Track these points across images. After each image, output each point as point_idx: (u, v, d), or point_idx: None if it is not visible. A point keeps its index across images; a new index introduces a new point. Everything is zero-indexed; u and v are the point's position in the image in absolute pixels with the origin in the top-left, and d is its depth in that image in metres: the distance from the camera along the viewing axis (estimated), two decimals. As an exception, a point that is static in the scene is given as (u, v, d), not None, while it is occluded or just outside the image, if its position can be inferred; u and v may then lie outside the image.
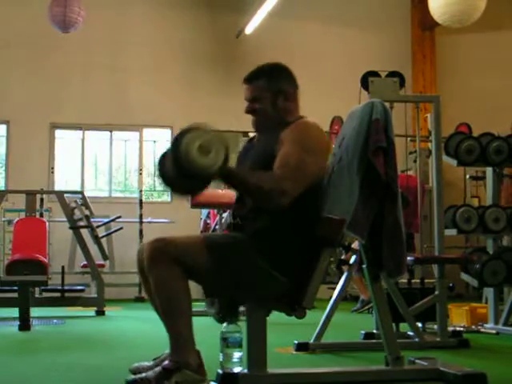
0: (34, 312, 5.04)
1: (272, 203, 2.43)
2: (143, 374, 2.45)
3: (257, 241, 2.52)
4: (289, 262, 2.55)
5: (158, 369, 2.45)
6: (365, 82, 4.10)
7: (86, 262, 6.43)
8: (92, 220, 6.42)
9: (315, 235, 2.60)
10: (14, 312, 4.87)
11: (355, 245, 3.59)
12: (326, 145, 2.66)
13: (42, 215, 7.39)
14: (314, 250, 2.56)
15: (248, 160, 2.71)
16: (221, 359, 2.70)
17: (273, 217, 2.52)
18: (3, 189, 8.08)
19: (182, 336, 2.44)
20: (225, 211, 5.91)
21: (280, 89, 2.67)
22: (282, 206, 2.42)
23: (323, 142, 2.63)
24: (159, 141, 9.25)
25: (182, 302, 2.44)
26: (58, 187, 8.62)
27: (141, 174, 9.16)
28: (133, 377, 2.47)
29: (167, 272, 2.41)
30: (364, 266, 2.87)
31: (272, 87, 2.66)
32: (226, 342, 2.68)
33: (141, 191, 8.52)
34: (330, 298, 4.07)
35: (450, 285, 4.17)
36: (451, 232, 4.72)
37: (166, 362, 2.46)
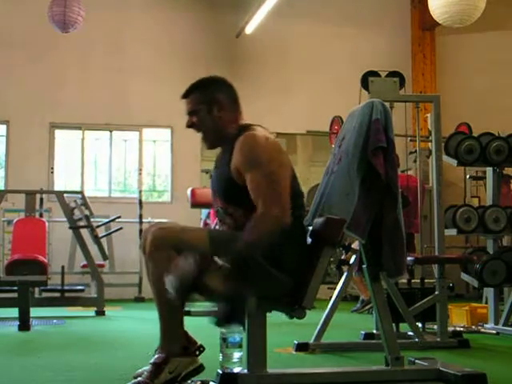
0: (34, 312, 5.04)
1: (279, 228, 2.41)
2: (139, 378, 2.48)
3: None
4: (289, 262, 2.55)
5: (148, 367, 2.49)
6: (365, 81, 4.11)
7: (85, 262, 6.43)
8: (92, 220, 6.42)
9: (311, 234, 2.61)
10: (14, 312, 4.87)
11: (355, 245, 3.60)
12: (278, 147, 2.61)
13: (41, 215, 7.39)
14: (314, 250, 2.56)
15: (216, 179, 2.74)
16: (221, 359, 2.71)
17: None
18: (3, 189, 8.07)
19: (169, 324, 2.49)
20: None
21: (213, 99, 2.68)
22: (287, 222, 2.42)
23: (275, 146, 2.58)
24: (159, 141, 9.26)
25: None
26: (57, 187, 8.61)
27: (140, 173, 9.15)
28: (131, 382, 2.50)
29: (166, 260, 2.44)
30: (364, 265, 2.87)
31: (205, 98, 2.68)
32: (226, 342, 2.69)
33: (140, 191, 8.52)
34: (330, 298, 4.07)
35: (450, 285, 4.17)
36: (451, 232, 4.72)
37: (155, 357, 2.50)
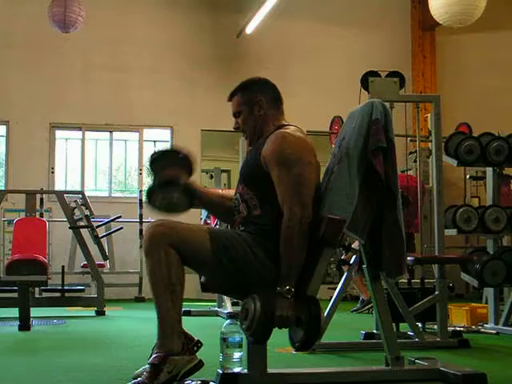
0: (34, 312, 5.04)
1: (306, 227, 2.48)
2: (138, 379, 2.47)
3: (258, 239, 2.54)
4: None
5: (147, 367, 2.48)
6: (365, 82, 4.10)
7: (86, 262, 6.43)
8: (92, 220, 6.42)
9: (315, 235, 2.60)
10: (14, 312, 4.87)
11: (355, 245, 3.60)
12: (310, 147, 2.68)
13: (42, 215, 7.39)
14: (314, 251, 2.56)
15: (244, 169, 2.80)
16: (221, 359, 2.70)
17: (273, 219, 2.54)
18: (3, 189, 8.07)
19: (166, 322, 2.48)
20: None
21: (253, 99, 2.77)
22: (310, 218, 2.49)
23: (305, 145, 2.66)
24: (159, 141, 9.25)
25: (176, 287, 2.47)
26: (58, 187, 8.61)
27: (141, 173, 9.15)
28: (130, 383, 2.49)
29: (164, 257, 2.45)
30: (364, 265, 2.87)
31: (246, 99, 2.78)
32: (226, 342, 2.68)
33: (141, 191, 8.51)
34: (330, 298, 4.07)
35: (450, 285, 4.17)
36: (451, 232, 4.72)
37: (153, 357, 2.49)
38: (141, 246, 7.76)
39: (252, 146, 2.82)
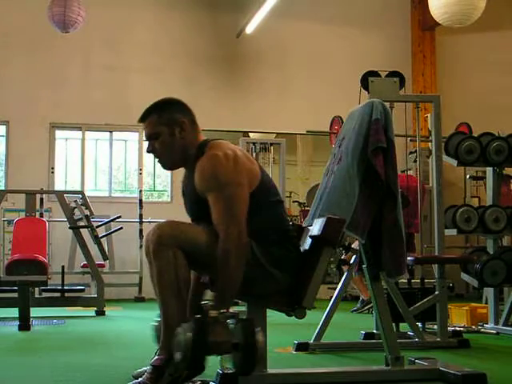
0: (34, 312, 5.04)
1: (244, 247, 2.45)
2: (139, 379, 2.47)
3: (256, 240, 2.54)
4: (288, 262, 2.56)
5: (149, 368, 2.47)
6: (365, 82, 4.10)
7: (85, 262, 6.43)
8: (92, 220, 6.42)
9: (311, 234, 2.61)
10: (14, 312, 4.87)
11: (355, 245, 3.60)
12: (238, 161, 2.56)
13: (41, 215, 7.39)
14: (314, 250, 2.56)
15: (186, 197, 2.74)
16: (221, 359, 2.70)
17: (256, 220, 2.55)
18: (3, 189, 8.07)
19: (171, 326, 2.45)
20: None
21: (173, 120, 2.64)
22: (246, 237, 2.45)
23: (234, 164, 2.53)
24: (159, 141, 9.24)
25: (182, 292, 2.46)
26: (58, 187, 8.61)
27: (141, 173, 9.15)
28: (131, 382, 2.49)
29: (173, 259, 2.42)
30: (364, 265, 2.87)
31: (165, 120, 2.64)
32: (226, 342, 2.67)
33: (141, 191, 8.51)
34: (330, 298, 4.07)
35: (450, 285, 4.17)
36: (451, 232, 4.72)
37: (155, 358, 2.49)
38: (141, 246, 7.76)
39: (184, 179, 2.74)
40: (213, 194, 2.49)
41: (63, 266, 6.29)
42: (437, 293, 4.05)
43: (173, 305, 2.46)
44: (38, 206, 7.00)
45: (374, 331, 4.07)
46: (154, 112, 2.67)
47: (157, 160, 2.72)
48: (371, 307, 6.22)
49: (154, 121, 2.66)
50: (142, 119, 2.69)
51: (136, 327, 5.30)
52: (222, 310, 2.37)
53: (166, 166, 2.75)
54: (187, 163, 2.67)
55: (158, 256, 2.45)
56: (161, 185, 9.48)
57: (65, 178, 9.07)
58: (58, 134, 8.98)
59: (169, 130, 2.63)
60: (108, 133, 9.12)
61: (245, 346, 2.35)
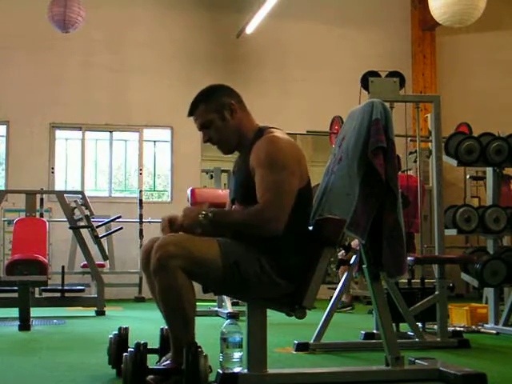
0: (34, 312, 5.04)
1: (263, 232, 2.43)
2: (150, 377, 2.46)
3: (257, 244, 2.52)
4: (288, 262, 2.55)
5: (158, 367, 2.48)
6: (365, 82, 4.10)
7: (85, 262, 6.43)
8: (92, 220, 6.42)
9: (311, 235, 2.61)
10: (14, 312, 4.87)
11: (355, 245, 3.60)
12: (297, 153, 2.56)
13: (42, 215, 7.39)
14: (314, 251, 2.56)
15: (234, 178, 2.73)
16: (221, 359, 2.70)
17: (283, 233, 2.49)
18: (3, 189, 8.07)
19: (179, 340, 2.45)
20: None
21: (221, 104, 2.61)
22: (277, 231, 2.42)
23: (293, 153, 2.53)
24: (159, 141, 9.25)
25: (187, 311, 2.44)
26: (58, 187, 8.61)
27: (141, 173, 9.15)
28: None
29: (174, 280, 2.38)
30: (364, 265, 2.87)
31: (213, 106, 2.61)
32: (226, 342, 2.68)
33: (141, 191, 8.52)
34: (330, 298, 4.07)
35: (450, 285, 4.17)
36: (451, 232, 4.72)
37: (168, 362, 2.49)
38: (141, 246, 7.76)
39: (238, 160, 2.72)
40: (266, 171, 2.45)
41: (63, 266, 6.30)
42: (437, 293, 4.05)
43: (178, 324, 2.45)
44: (38, 206, 7.00)
45: (374, 331, 4.07)
46: (200, 102, 2.64)
47: (216, 147, 2.70)
48: (349, 310, 6.32)
49: (203, 110, 2.63)
50: (191, 113, 2.67)
51: (136, 327, 5.29)
52: (207, 213, 2.42)
53: (225, 151, 2.70)
54: (243, 145, 2.63)
55: (158, 275, 2.40)
56: (161, 185, 9.49)
57: (65, 178, 9.08)
58: (58, 133, 8.99)
59: (219, 115, 2.61)
60: (108, 133, 9.12)
61: (188, 370, 2.34)
